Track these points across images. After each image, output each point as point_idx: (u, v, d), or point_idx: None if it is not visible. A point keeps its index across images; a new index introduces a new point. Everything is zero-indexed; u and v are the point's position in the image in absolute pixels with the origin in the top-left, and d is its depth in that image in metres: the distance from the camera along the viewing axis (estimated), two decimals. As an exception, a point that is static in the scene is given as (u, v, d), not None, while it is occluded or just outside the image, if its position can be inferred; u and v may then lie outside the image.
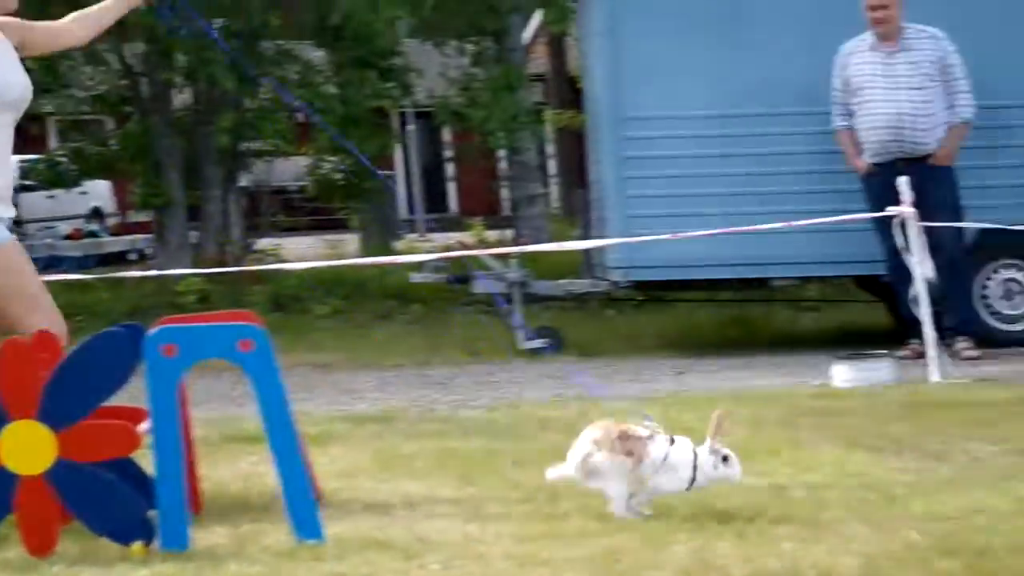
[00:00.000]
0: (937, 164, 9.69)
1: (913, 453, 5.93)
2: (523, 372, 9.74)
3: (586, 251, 11.58)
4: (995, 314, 10.28)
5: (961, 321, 9.70)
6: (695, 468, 4.81)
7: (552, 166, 27.59)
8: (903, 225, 8.89)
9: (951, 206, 9.70)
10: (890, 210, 8.99)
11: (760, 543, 4.41)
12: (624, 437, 4.81)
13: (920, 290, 8.74)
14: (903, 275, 9.31)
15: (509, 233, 19.26)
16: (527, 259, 12.70)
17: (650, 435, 4.84)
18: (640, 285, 11.18)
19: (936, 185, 9.61)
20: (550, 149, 26.67)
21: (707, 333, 11.65)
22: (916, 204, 9.03)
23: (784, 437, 6.39)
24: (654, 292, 12.64)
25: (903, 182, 8.94)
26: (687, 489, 4.84)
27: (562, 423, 7.07)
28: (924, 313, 8.69)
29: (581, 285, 11.55)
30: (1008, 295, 10.31)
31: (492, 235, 20.47)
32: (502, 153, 20.25)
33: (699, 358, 10.15)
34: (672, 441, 4.85)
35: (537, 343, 10.72)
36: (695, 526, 4.64)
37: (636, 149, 10.49)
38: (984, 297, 10.27)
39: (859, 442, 6.20)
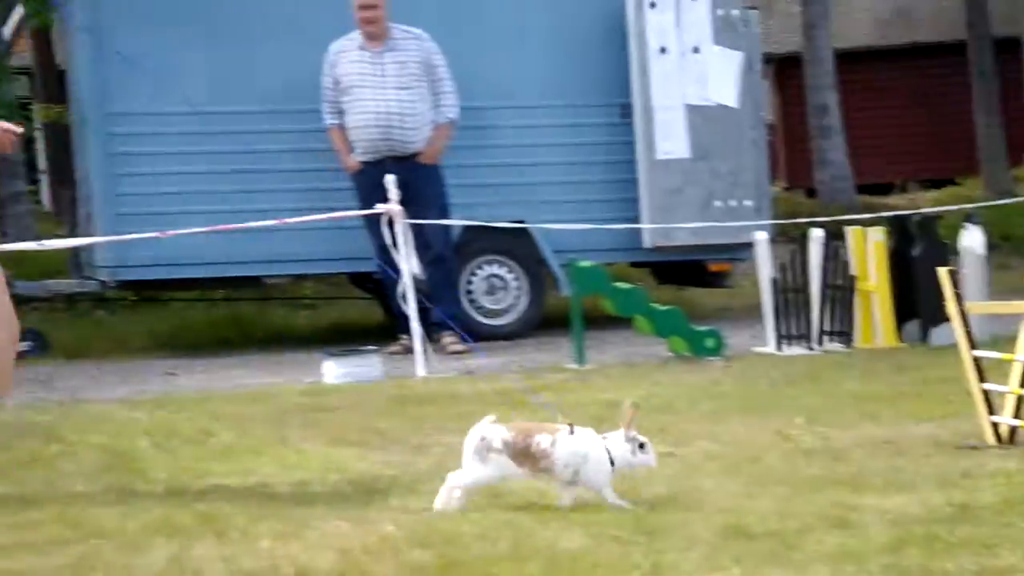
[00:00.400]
0: (424, 162, 9.95)
1: (396, 447, 6.05)
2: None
3: (74, 250, 11.21)
4: (479, 309, 10.67)
5: (448, 316, 10.00)
6: (611, 457, 4.77)
7: (42, 162, 26.52)
8: (390, 222, 9.06)
9: (438, 203, 9.99)
10: (378, 207, 9.15)
11: (239, 542, 4.38)
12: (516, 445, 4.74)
13: (407, 286, 8.95)
14: (392, 271, 9.51)
15: (-7, 232, 18.36)
16: (11, 260, 12.15)
17: (553, 441, 4.74)
18: (130, 285, 10.92)
19: (424, 183, 9.87)
20: (40, 145, 25.63)
21: (200, 333, 11.52)
22: (404, 201, 9.24)
23: (271, 436, 6.39)
24: (147, 292, 12.38)
25: (390, 180, 9.12)
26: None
27: (43, 429, 6.83)
28: (411, 309, 8.90)
29: (68, 285, 11.18)
30: (492, 290, 10.71)
31: (-25, 233, 19.46)
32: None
33: (191, 358, 10.02)
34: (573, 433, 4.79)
35: (21, 346, 10.25)
36: (173, 529, 4.56)
37: (123, 146, 10.25)
38: (469, 292, 10.63)
39: (345, 438, 6.28)
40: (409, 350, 9.15)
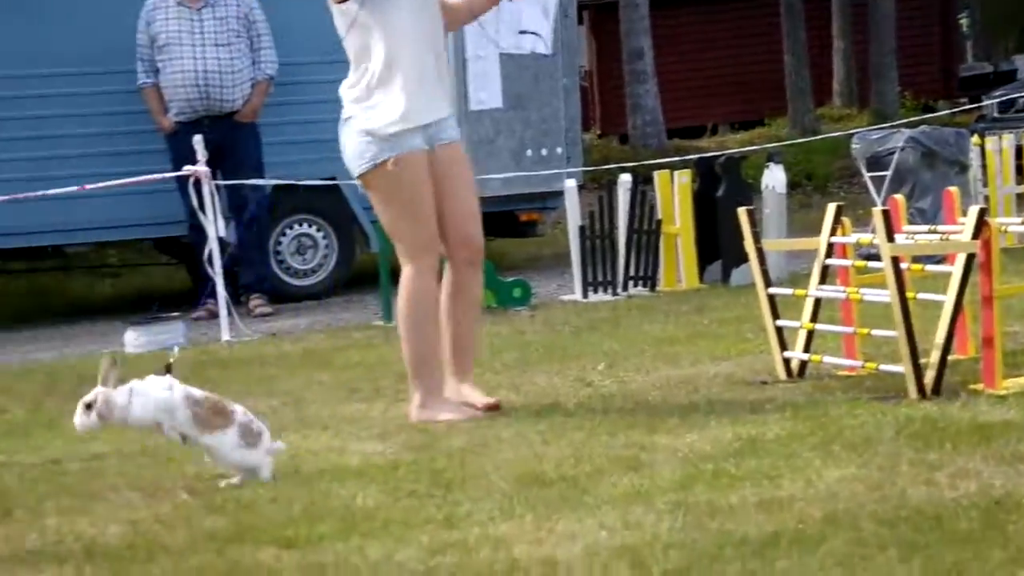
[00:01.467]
0: (242, 121, 9.78)
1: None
2: None
3: None
4: (288, 269, 10.55)
5: (256, 278, 9.87)
6: None
7: None
8: (198, 184, 8.90)
9: (255, 163, 9.85)
10: (186, 169, 8.97)
11: (24, 521, 4.27)
12: None
13: (213, 249, 8.80)
14: (202, 235, 9.34)
15: None
16: None
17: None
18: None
19: (241, 142, 9.73)
20: None
21: (12, 305, 11.21)
22: (222, 162, 9.09)
23: (66, 410, 6.20)
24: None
25: (198, 141, 8.94)
26: None
27: None
28: (217, 273, 8.76)
29: None
30: (301, 250, 10.60)
31: None
32: None
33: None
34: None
35: None
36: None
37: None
38: (277, 253, 10.50)
39: (142, 407, 6.13)
40: (215, 315, 9.02)
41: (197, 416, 4.58)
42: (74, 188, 9.20)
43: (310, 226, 10.65)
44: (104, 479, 4.78)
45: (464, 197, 5.55)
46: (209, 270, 8.85)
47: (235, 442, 4.57)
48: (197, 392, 4.65)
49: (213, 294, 9.06)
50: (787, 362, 5.80)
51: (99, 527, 4.13)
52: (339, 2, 5.46)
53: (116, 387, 4.59)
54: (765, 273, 5.94)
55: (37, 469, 5.04)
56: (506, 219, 11.55)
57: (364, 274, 10.99)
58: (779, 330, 5.85)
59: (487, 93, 10.88)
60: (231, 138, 9.64)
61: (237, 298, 9.29)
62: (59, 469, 5.02)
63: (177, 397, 4.59)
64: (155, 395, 4.60)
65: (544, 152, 11.07)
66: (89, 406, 4.59)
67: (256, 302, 9.72)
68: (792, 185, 10.00)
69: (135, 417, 4.61)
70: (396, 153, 5.44)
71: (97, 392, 4.59)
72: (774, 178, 9.60)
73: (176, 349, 4.92)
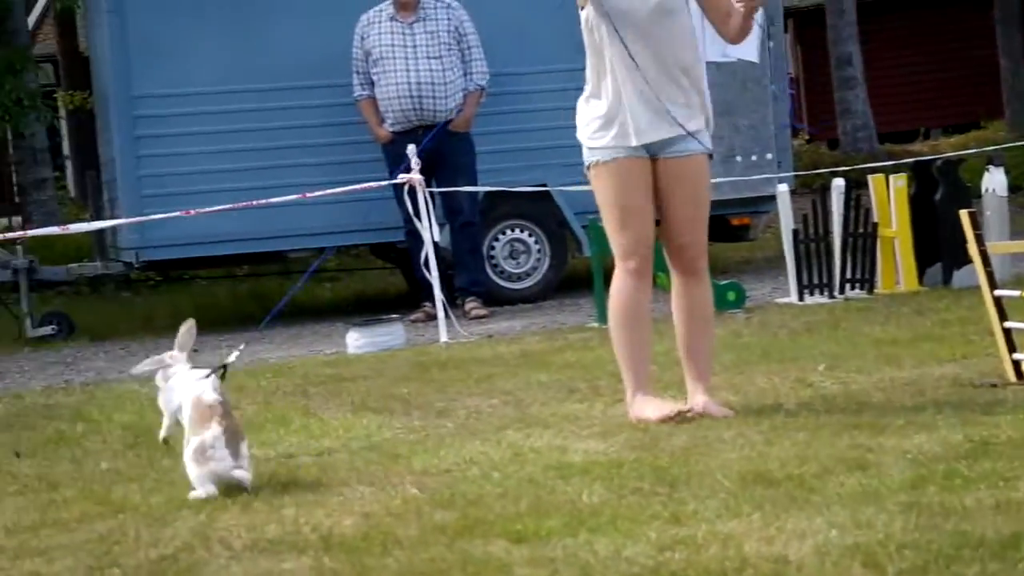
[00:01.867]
0: (455, 130, 9.97)
1: (419, 412, 6.07)
2: (30, 361, 9.38)
3: (99, 234, 11.28)
4: (502, 273, 10.69)
5: (471, 282, 10.02)
6: None
7: (66, 148, 26.65)
8: (412, 191, 9.08)
9: (468, 171, 10.02)
10: (401, 177, 9.16)
11: (264, 512, 4.41)
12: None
13: (429, 253, 8.96)
14: (418, 240, 9.53)
15: (19, 220, 18.48)
16: (39, 245, 12.25)
17: None
18: (154, 265, 10.97)
19: (455, 151, 9.91)
20: (65, 131, 25.72)
21: (224, 310, 11.57)
22: (436, 170, 9.27)
23: (295, 406, 6.42)
24: (172, 271, 12.44)
25: (411, 150, 9.14)
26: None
27: (68, 410, 6.88)
28: (434, 276, 8.92)
29: (92, 268, 11.24)
30: (514, 255, 10.73)
31: (1, 222, 19.61)
32: (9, 138, 19.36)
33: (215, 335, 10.05)
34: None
35: (45, 330, 10.37)
36: (198, 502, 4.59)
37: (146, 128, 10.29)
38: (491, 257, 10.65)
39: (367, 405, 6.30)
40: (432, 317, 9.19)
41: (193, 417, 4.72)
42: (296, 196, 9.46)
43: (522, 231, 10.77)
44: (336, 473, 4.91)
45: (679, 208, 5.53)
46: (426, 273, 9.01)
47: (188, 453, 4.67)
48: (211, 397, 4.73)
49: (429, 297, 9.23)
50: (1016, 364, 5.67)
51: (334, 519, 4.26)
52: (581, 7, 5.52)
53: (187, 352, 4.90)
54: (991, 276, 5.82)
55: (272, 463, 5.19)
56: (717, 223, 11.49)
57: (577, 278, 11.07)
58: (1007, 332, 5.73)
59: None
60: (445, 147, 9.82)
61: (452, 301, 9.44)
62: (293, 463, 5.17)
63: (191, 396, 4.73)
64: (180, 390, 4.81)
65: (754, 158, 11.03)
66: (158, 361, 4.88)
67: (471, 305, 9.86)
68: (1011, 188, 9.78)
69: (163, 399, 4.92)
70: (597, 159, 5.51)
71: (167, 356, 4.89)
72: (995, 181, 9.40)
73: (235, 355, 5.05)
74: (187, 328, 4.91)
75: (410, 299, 10.23)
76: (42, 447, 5.88)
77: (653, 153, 5.50)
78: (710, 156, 5.64)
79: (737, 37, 5.65)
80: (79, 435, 6.10)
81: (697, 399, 5.53)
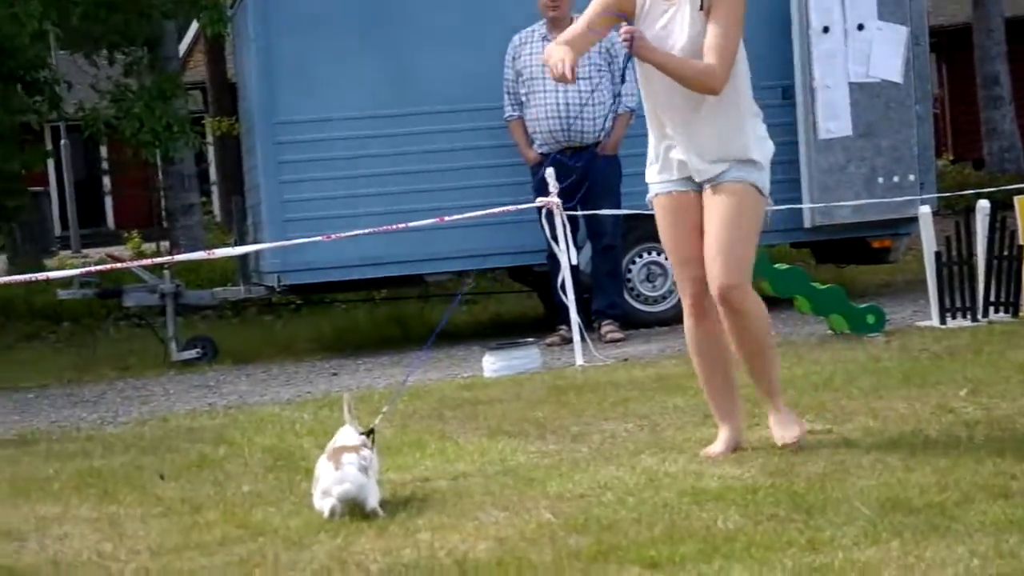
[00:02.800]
0: (604, 153, 9.96)
1: (554, 436, 6.07)
2: (175, 384, 9.57)
3: (242, 258, 11.48)
4: (638, 296, 10.66)
5: (608, 304, 9.99)
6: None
7: (212, 174, 27.20)
8: (551, 214, 9.09)
9: (613, 194, 10.00)
10: (538, 201, 9.18)
11: (399, 536, 4.45)
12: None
13: (566, 276, 8.96)
14: (557, 263, 9.55)
15: (167, 244, 18.90)
16: (184, 269, 12.51)
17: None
18: (296, 289, 11.13)
19: (602, 173, 9.89)
20: (212, 157, 26.27)
21: (364, 333, 11.69)
22: (582, 192, 9.27)
23: (431, 430, 6.46)
24: (313, 295, 12.61)
25: (550, 173, 9.14)
26: None
27: (211, 433, 7.00)
28: (570, 299, 8.92)
29: (235, 292, 11.43)
30: (651, 278, 10.70)
31: (149, 247, 20.06)
32: (159, 163, 19.83)
33: (355, 358, 10.18)
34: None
35: (190, 353, 10.57)
36: (338, 525, 4.65)
37: (290, 153, 10.46)
38: (628, 280, 10.63)
39: (503, 429, 6.32)
40: (567, 341, 9.19)
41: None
42: (434, 220, 9.53)
43: (659, 254, 10.71)
44: (471, 498, 4.93)
45: (709, 236, 5.42)
46: (562, 296, 9.01)
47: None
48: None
49: (566, 320, 9.23)
50: None
51: (469, 543, 4.28)
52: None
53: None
54: None
55: (408, 486, 5.24)
56: (858, 246, 11.38)
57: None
58: None
59: (836, 123, 10.77)
60: (592, 169, 9.82)
61: (589, 324, 9.43)
62: (428, 487, 5.21)
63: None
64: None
65: (896, 179, 10.88)
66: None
67: (608, 328, 9.84)
68: None
69: None
70: (652, 195, 5.59)
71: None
72: None
73: (380, 418, 5.12)
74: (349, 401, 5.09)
75: (547, 322, 10.24)
76: (185, 470, 6.00)
77: (698, 187, 5.46)
78: (759, 191, 5.47)
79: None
80: (221, 458, 6.21)
81: (774, 431, 5.48)
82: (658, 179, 5.52)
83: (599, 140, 9.95)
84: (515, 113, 10.11)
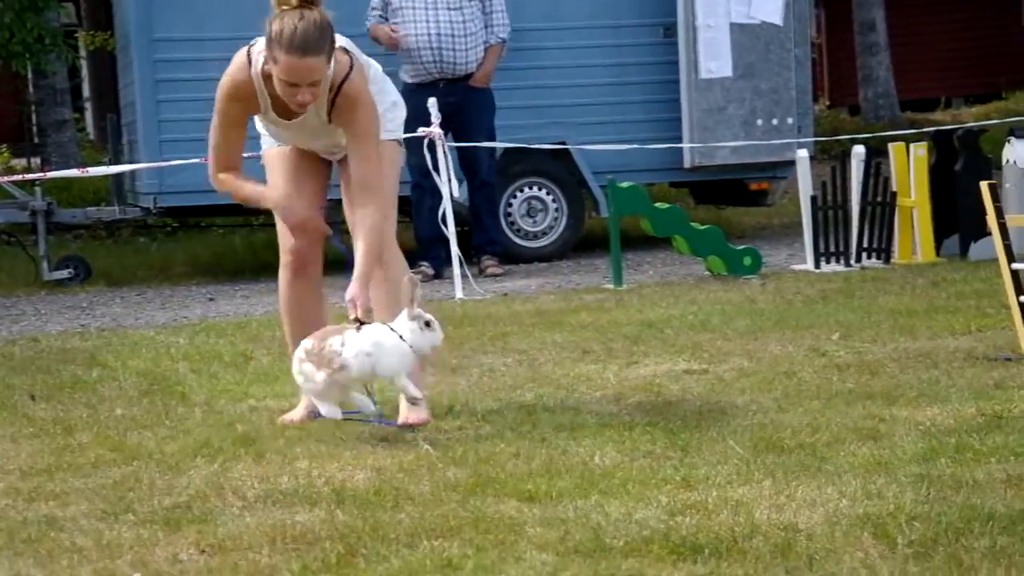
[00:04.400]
0: (476, 85, 9.90)
1: (432, 369, 6.06)
2: (46, 304, 9.41)
3: (117, 178, 11.29)
4: (519, 231, 10.68)
5: (487, 240, 10.01)
6: (404, 340, 4.77)
7: (86, 90, 26.63)
8: (431, 146, 9.03)
9: (487, 128, 9.96)
10: (421, 130, 9.12)
11: (277, 463, 4.44)
12: (313, 351, 4.74)
13: (447, 209, 8.94)
14: (425, 195, 9.53)
15: (38, 161, 18.51)
16: (56, 187, 12.27)
17: (342, 341, 4.73)
18: (172, 211, 10.98)
19: (474, 106, 9.83)
20: (85, 73, 25.69)
21: (241, 259, 11.58)
22: (454, 124, 9.23)
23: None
24: (189, 219, 12.45)
25: (432, 103, 9.08)
26: (415, 358, 4.82)
27: (84, 355, 6.90)
28: (451, 231, 8.91)
29: (110, 212, 11.25)
30: (531, 213, 10.72)
31: (20, 163, 19.62)
32: (30, 77, 19.35)
33: (232, 283, 10.09)
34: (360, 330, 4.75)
35: (62, 273, 10.40)
36: (214, 450, 4.62)
37: (167, 72, 10.26)
38: (508, 215, 10.64)
39: (381, 360, 6.29)
40: (429, 277, 9.27)
41: None
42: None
43: (540, 189, 10.75)
44: (351, 427, 4.92)
45: None
46: (444, 229, 8.99)
47: None
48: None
49: (427, 256, 9.29)
50: (1031, 339, 5.67)
51: (347, 472, 4.28)
52: None
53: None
54: (1008, 248, 5.81)
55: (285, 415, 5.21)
56: (735, 188, 11.50)
57: (594, 238, 11.07)
58: (1023, 306, 5.72)
59: (717, 62, 10.84)
60: (465, 101, 9.76)
61: (468, 258, 9.45)
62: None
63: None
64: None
65: (775, 122, 10.99)
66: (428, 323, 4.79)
67: (489, 263, 9.86)
68: (1033, 160, 9.75)
69: None
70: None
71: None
72: (1016, 152, 9.36)
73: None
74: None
75: (418, 255, 10.22)
76: (58, 391, 5.91)
77: None
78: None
79: None
80: (94, 380, 6.13)
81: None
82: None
83: (472, 72, 9.89)
84: (378, 18, 9.86)
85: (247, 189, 5.05)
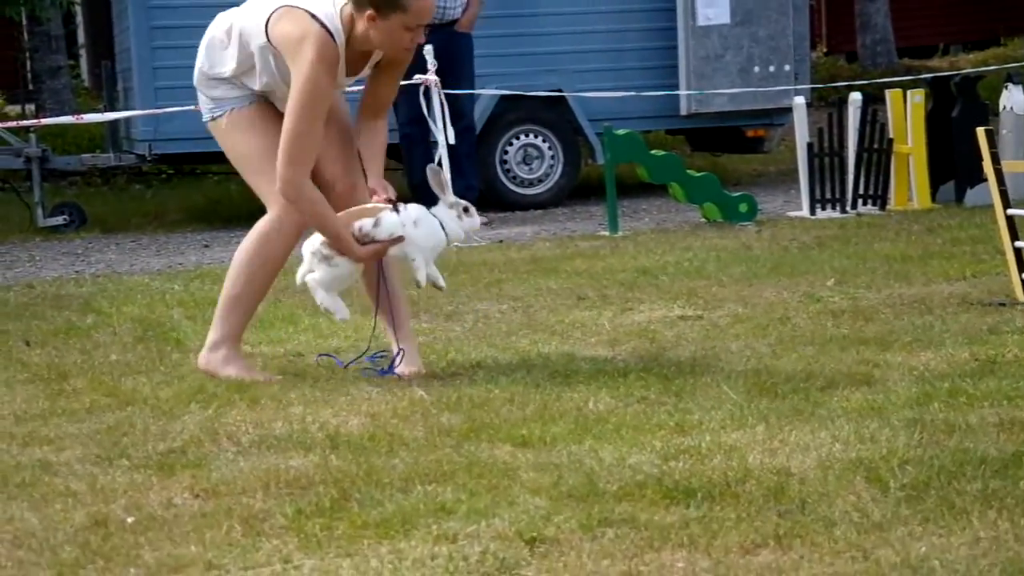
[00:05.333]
0: (461, 31, 9.85)
1: (427, 315, 6.08)
2: (41, 250, 9.40)
3: (112, 125, 11.25)
4: (515, 178, 10.66)
5: (466, 187, 9.90)
6: (442, 225, 4.82)
7: (81, 36, 26.50)
8: (426, 92, 8.99)
9: (468, 74, 9.91)
10: (416, 77, 9.07)
11: (271, 408, 4.44)
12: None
13: (443, 155, 8.91)
14: (415, 143, 9.50)
15: (32, 107, 18.43)
16: (51, 134, 12.22)
17: (375, 221, 4.74)
18: (167, 158, 10.95)
19: (458, 52, 9.79)
20: (80, 19, 25.55)
21: (236, 206, 11.55)
22: (439, 70, 9.19)
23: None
24: (185, 165, 12.42)
25: (428, 50, 9.04)
26: (447, 245, 4.91)
27: (79, 301, 6.90)
28: (447, 179, 8.84)
29: (105, 159, 11.22)
30: (527, 160, 10.70)
31: (14, 109, 19.54)
32: (24, 23, 19.25)
33: (227, 231, 10.08)
34: (397, 210, 4.77)
35: (57, 220, 10.38)
36: (208, 396, 4.62)
37: (162, 18, 10.21)
38: (504, 162, 10.62)
39: (376, 306, 6.29)
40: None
41: None
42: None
43: (536, 136, 10.72)
44: (344, 372, 4.93)
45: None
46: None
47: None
48: None
49: (420, 203, 9.24)
50: (1025, 285, 5.68)
51: (341, 418, 4.29)
52: None
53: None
54: (1004, 194, 5.81)
55: (280, 360, 5.22)
56: (732, 134, 11.48)
57: (589, 185, 11.05)
58: (1018, 251, 5.72)
59: (715, 9, 10.79)
60: (449, 47, 9.71)
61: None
62: (300, 362, 5.20)
63: None
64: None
65: (772, 69, 10.95)
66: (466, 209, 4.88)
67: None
68: (1030, 107, 9.74)
69: None
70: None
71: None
72: (1013, 99, 9.35)
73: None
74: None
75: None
76: (52, 337, 5.91)
77: None
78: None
79: None
80: (89, 327, 6.13)
81: None
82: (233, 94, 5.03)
83: (457, 18, 9.83)
84: None
85: (334, 227, 4.74)
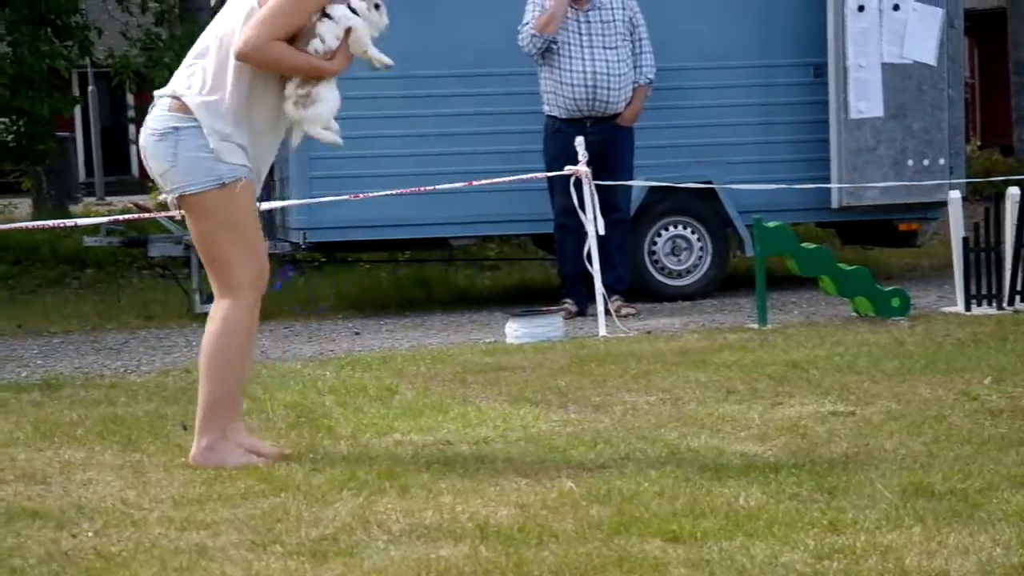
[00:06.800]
0: (623, 124, 9.92)
1: (575, 406, 6.08)
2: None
3: (268, 213, 11.48)
4: (663, 270, 10.65)
5: (616, 279, 9.89)
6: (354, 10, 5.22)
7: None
8: (578, 183, 9.06)
9: (629, 166, 9.98)
10: (568, 169, 9.14)
11: (421, 498, 4.47)
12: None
13: (592, 247, 8.94)
14: (568, 233, 9.56)
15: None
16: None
17: (321, 38, 5.19)
18: (321, 246, 11.15)
19: (618, 145, 9.86)
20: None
21: (387, 294, 11.71)
22: (598, 163, 9.27)
23: (453, 394, 6.47)
24: (337, 253, 12.63)
25: (579, 142, 9.12)
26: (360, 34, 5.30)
27: (234, 386, 7.00)
28: (595, 270, 8.91)
29: (261, 247, 11.42)
30: (676, 251, 10.69)
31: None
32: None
33: (377, 318, 10.20)
34: (329, 16, 5.19)
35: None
36: (359, 483, 4.67)
37: (318, 109, 10.42)
38: (652, 253, 10.62)
39: (525, 396, 6.33)
40: (573, 314, 9.28)
41: None
42: (461, 184, 9.53)
43: (685, 228, 10.72)
44: (493, 463, 4.95)
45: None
46: (589, 267, 8.97)
47: None
48: None
49: (571, 293, 9.31)
50: None
51: (491, 508, 4.30)
52: None
53: None
54: None
55: (430, 449, 5.25)
56: (884, 228, 11.36)
57: (738, 277, 11.00)
58: None
59: (868, 102, 10.74)
60: (611, 140, 9.79)
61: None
62: (450, 451, 5.23)
63: None
64: None
65: (925, 162, 10.85)
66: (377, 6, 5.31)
67: (617, 303, 9.76)
68: None
69: None
70: (237, 177, 5.24)
71: None
72: None
73: None
74: None
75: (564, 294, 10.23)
76: (208, 422, 6.00)
77: None
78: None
79: None
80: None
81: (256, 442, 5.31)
82: (242, 162, 5.17)
83: (619, 112, 9.91)
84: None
85: (300, 59, 5.17)
